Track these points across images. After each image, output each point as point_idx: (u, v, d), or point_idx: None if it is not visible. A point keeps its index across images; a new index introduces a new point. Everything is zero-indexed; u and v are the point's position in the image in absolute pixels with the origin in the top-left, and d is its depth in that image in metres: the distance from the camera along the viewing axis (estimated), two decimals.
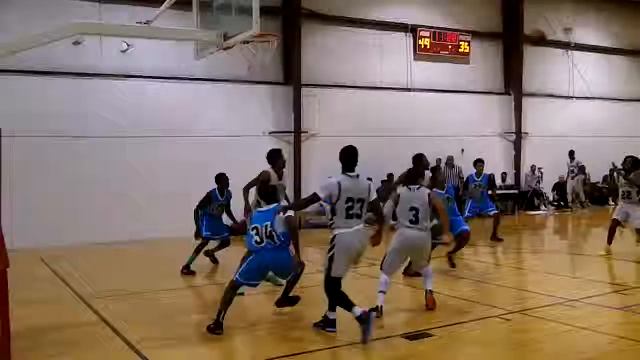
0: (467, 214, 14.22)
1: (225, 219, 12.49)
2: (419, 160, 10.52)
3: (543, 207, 23.49)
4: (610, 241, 12.61)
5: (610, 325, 7.60)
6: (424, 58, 21.91)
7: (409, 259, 8.71)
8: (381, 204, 7.85)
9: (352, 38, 20.50)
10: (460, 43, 22.54)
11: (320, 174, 18.82)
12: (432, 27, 21.95)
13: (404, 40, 21.66)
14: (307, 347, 6.79)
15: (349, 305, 6.87)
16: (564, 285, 9.68)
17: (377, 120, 20.42)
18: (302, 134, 19.27)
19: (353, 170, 7.33)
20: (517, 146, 23.85)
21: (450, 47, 22.32)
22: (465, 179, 16.43)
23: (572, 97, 25.38)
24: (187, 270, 11.63)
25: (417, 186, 8.31)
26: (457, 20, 22.68)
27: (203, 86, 18.03)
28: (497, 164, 23.11)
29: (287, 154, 18.22)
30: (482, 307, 8.34)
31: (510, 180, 23.30)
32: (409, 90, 21.52)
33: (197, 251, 11.93)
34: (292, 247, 7.80)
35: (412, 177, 8.50)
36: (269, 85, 19.00)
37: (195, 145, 17.53)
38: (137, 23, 8.25)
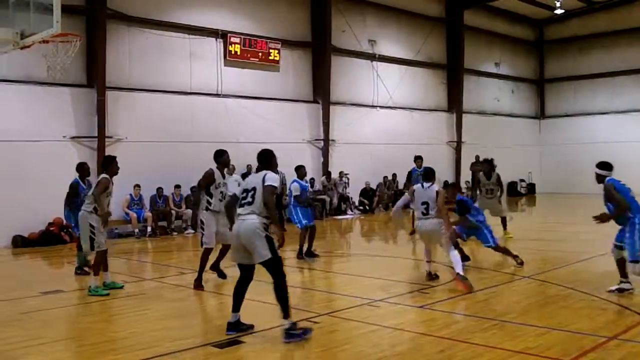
0: None
1: None
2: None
3: (349, 211, 24.34)
4: None
5: (411, 322, 8.01)
6: (235, 64, 21.94)
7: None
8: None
9: (162, 41, 20.04)
10: (270, 50, 22.82)
11: (125, 180, 18.28)
12: (242, 34, 22.02)
13: (214, 46, 21.54)
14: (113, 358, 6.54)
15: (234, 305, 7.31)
16: (369, 286, 10.07)
17: (186, 126, 20.15)
18: (107, 139, 18.48)
19: (262, 169, 7.46)
20: (325, 153, 24.53)
21: (260, 54, 22.52)
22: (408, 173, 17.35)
23: (376, 106, 26.62)
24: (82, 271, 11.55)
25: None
26: (267, 27, 22.94)
27: None
28: (306, 170, 23.60)
29: (91, 159, 17.55)
30: (293, 311, 8.45)
31: (318, 186, 23.91)
32: (218, 95, 21.43)
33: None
34: None
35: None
36: (70, 87, 17.99)
37: None
38: None
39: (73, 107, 18.14)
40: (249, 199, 7.13)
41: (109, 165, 10.31)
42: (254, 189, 7.15)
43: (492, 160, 15.89)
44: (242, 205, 7.18)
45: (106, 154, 17.99)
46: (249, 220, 7.04)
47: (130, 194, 18.47)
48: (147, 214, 18.45)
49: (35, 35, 7.77)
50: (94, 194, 9.92)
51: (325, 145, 24.46)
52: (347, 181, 24.46)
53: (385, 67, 27.08)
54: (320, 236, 18.75)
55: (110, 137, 18.54)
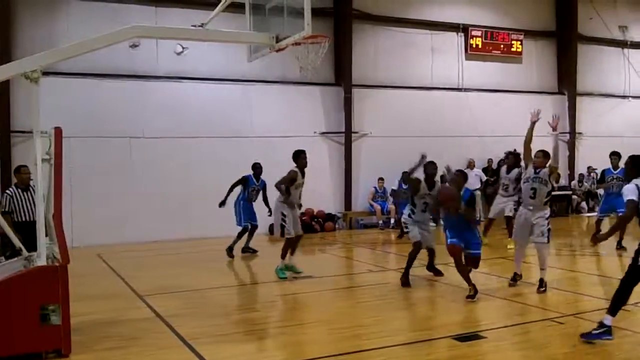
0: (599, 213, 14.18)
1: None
2: None
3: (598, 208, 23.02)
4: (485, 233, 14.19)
5: None
6: (476, 57, 21.72)
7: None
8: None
9: (403, 38, 20.45)
10: (512, 42, 22.28)
11: (370, 173, 18.99)
12: (483, 27, 21.74)
13: (455, 40, 21.51)
14: (361, 345, 6.85)
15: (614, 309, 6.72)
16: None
17: (428, 120, 20.35)
18: (353, 134, 19.32)
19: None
20: (571, 146, 23.43)
21: (502, 46, 22.08)
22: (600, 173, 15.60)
23: (628, 97, 24.82)
24: (230, 253, 13.55)
25: None
26: (509, 18, 22.40)
27: (255, 87, 18.24)
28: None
29: (338, 153, 18.54)
30: (535, 310, 8.27)
31: (564, 181, 22.89)
32: (460, 90, 21.37)
33: (239, 236, 13.82)
34: None
35: None
36: (320, 86, 19.09)
37: (248, 145, 17.71)
38: (191, 26, 8.39)
39: (322, 105, 19.23)
40: None
41: (296, 158, 11.02)
42: None
43: (518, 153, 13.72)
44: None
45: (352, 148, 18.90)
46: None
47: (375, 187, 19.17)
48: (391, 206, 18.98)
49: (288, 38, 8.26)
50: (277, 183, 10.93)
51: (571, 138, 23.36)
52: (595, 177, 23.13)
53: (638, 54, 25.06)
54: (566, 234, 18.04)
55: (356, 132, 19.35)
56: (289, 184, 10.89)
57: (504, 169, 14.49)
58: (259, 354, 6.90)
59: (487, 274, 11.19)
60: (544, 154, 9.86)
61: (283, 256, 10.98)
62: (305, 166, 11.00)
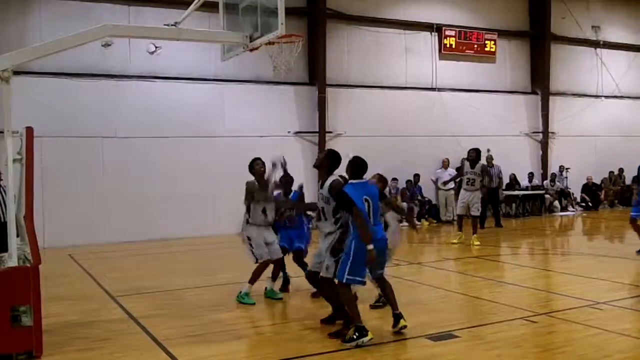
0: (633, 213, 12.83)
1: None
2: None
3: (570, 208, 23.29)
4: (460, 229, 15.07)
5: (638, 328, 7.52)
6: (450, 57, 21.83)
7: None
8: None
9: (377, 37, 20.50)
10: (486, 42, 22.42)
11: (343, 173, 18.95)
12: (457, 26, 21.86)
13: (429, 40, 21.60)
14: (332, 346, 6.84)
15: None
16: (592, 287, 9.61)
17: (402, 120, 20.43)
18: (327, 134, 19.33)
19: None
20: (544, 146, 23.66)
21: (475, 46, 22.21)
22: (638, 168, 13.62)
23: (601, 96, 25.11)
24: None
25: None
26: (483, 18, 22.55)
27: (229, 87, 18.16)
28: (524, 164, 23.00)
29: (312, 153, 18.54)
30: (508, 309, 8.31)
31: (537, 181, 23.12)
32: (434, 89, 21.47)
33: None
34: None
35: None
36: (294, 86, 19.07)
37: (222, 145, 17.70)
38: (164, 25, 8.33)
39: (296, 104, 19.22)
40: None
41: (250, 168, 9.58)
42: None
43: (478, 149, 15.25)
44: None
45: (326, 148, 18.86)
46: None
47: None
48: None
49: (262, 37, 8.23)
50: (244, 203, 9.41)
51: (544, 138, 23.58)
52: (567, 176, 23.41)
53: (611, 54, 25.36)
54: (539, 233, 18.22)
55: (330, 132, 19.35)
56: (250, 200, 9.38)
57: (467, 164, 15.02)
58: (232, 354, 6.86)
59: (462, 273, 11.27)
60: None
61: (251, 281, 9.22)
62: (261, 174, 9.31)
